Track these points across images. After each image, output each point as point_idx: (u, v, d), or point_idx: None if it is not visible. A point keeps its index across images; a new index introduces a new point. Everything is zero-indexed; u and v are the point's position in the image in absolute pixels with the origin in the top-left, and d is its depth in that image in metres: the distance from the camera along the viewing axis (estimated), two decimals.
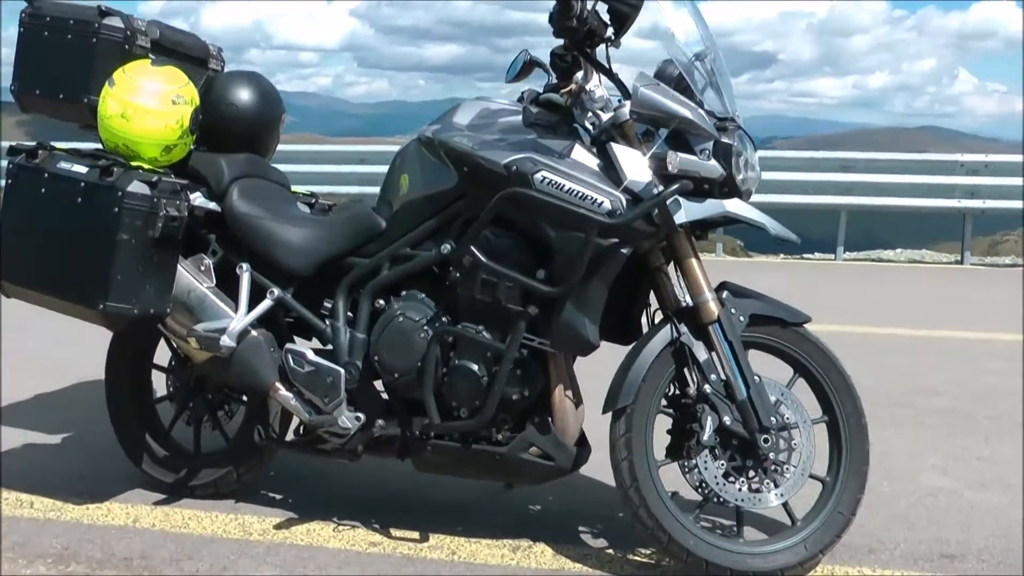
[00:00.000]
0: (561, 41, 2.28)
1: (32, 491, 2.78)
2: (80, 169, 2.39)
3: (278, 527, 2.55)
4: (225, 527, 2.56)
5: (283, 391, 2.49)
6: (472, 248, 2.24)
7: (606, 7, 2.18)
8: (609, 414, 2.29)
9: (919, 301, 6.56)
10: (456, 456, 2.38)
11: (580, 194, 2.16)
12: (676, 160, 2.12)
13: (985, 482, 2.96)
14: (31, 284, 2.45)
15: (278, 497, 2.77)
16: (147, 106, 2.45)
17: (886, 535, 2.54)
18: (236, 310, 2.50)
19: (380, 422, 2.43)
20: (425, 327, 2.35)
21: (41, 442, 3.26)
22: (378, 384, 2.50)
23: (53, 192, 2.40)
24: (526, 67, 2.58)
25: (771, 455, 2.23)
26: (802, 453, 2.27)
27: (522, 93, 2.60)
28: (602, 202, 2.16)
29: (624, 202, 2.16)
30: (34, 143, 2.50)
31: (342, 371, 2.42)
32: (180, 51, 2.74)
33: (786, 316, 2.31)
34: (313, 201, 2.80)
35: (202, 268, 2.56)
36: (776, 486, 2.25)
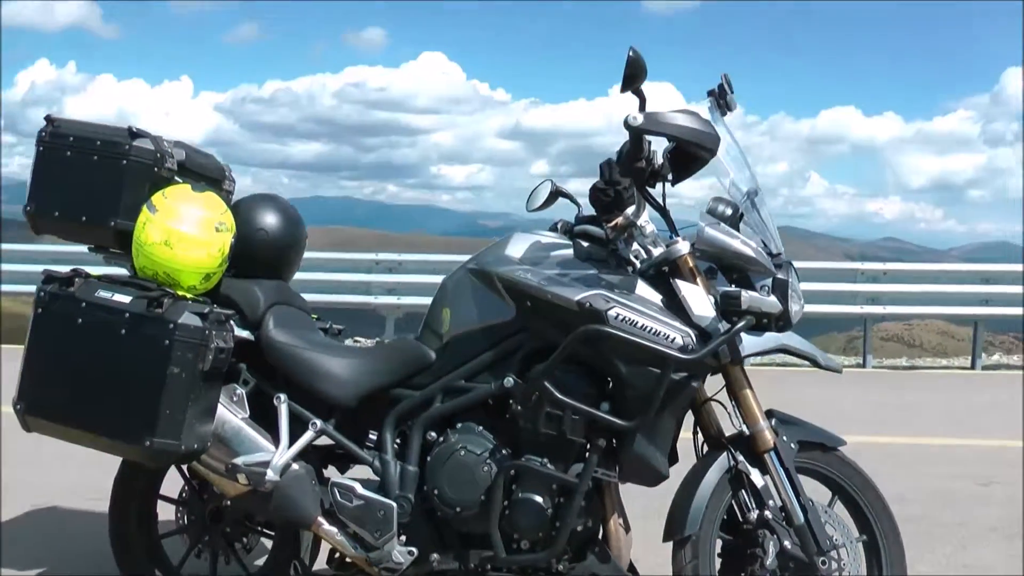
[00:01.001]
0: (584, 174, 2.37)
1: None
2: (122, 299, 2.30)
3: None
4: None
5: (326, 525, 2.42)
6: (545, 383, 2.27)
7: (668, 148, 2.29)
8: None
9: (840, 407, 6.80)
10: None
11: (653, 330, 2.23)
12: (747, 298, 2.22)
13: None
14: (63, 419, 2.32)
15: None
16: (191, 234, 2.39)
17: None
18: (272, 442, 2.43)
19: (435, 556, 2.39)
20: (488, 460, 2.34)
21: None
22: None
23: (93, 322, 2.29)
24: (551, 197, 2.68)
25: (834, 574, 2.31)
26: (850, 572, 2.36)
27: (555, 223, 2.67)
28: (674, 338, 2.23)
29: (693, 337, 2.24)
30: (69, 270, 2.40)
31: (394, 505, 2.38)
32: (201, 173, 2.70)
33: (826, 441, 2.42)
34: (327, 326, 2.77)
35: (235, 399, 2.48)
36: None
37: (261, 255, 2.63)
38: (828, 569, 2.30)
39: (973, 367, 9.03)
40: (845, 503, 2.44)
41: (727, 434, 2.42)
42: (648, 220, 2.41)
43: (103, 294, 2.32)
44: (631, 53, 2.16)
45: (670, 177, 2.33)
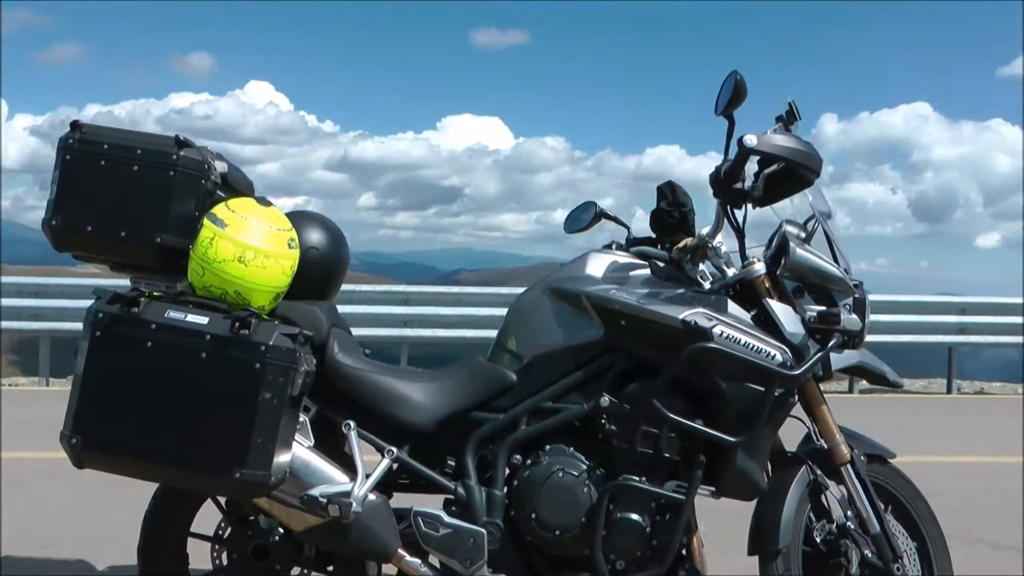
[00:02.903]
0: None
1: None
2: (199, 319, 2.12)
3: None
4: None
5: (408, 557, 2.31)
6: (654, 402, 2.27)
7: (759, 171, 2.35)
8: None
9: None
10: None
11: (755, 347, 2.28)
12: (845, 318, 2.30)
13: None
14: (132, 452, 2.10)
15: None
16: (267, 250, 2.23)
17: None
18: (342, 471, 2.31)
19: None
20: (587, 481, 2.31)
21: None
22: None
23: (166, 346, 2.09)
24: (595, 219, 2.71)
25: None
26: None
27: (611, 243, 2.69)
28: (774, 355, 2.29)
29: (789, 353, 2.31)
30: (131, 288, 2.19)
31: (484, 531, 2.30)
32: (236, 187, 2.55)
33: (882, 453, 2.54)
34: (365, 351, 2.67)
35: (298, 426, 2.34)
36: None
37: (312, 275, 2.48)
38: (907, 573, 2.42)
39: (949, 391, 9.79)
40: (896, 512, 2.56)
41: (798, 449, 2.50)
42: (722, 240, 2.46)
43: (175, 315, 2.13)
44: (737, 77, 2.22)
45: (757, 198, 2.38)
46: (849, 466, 2.44)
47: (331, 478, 2.28)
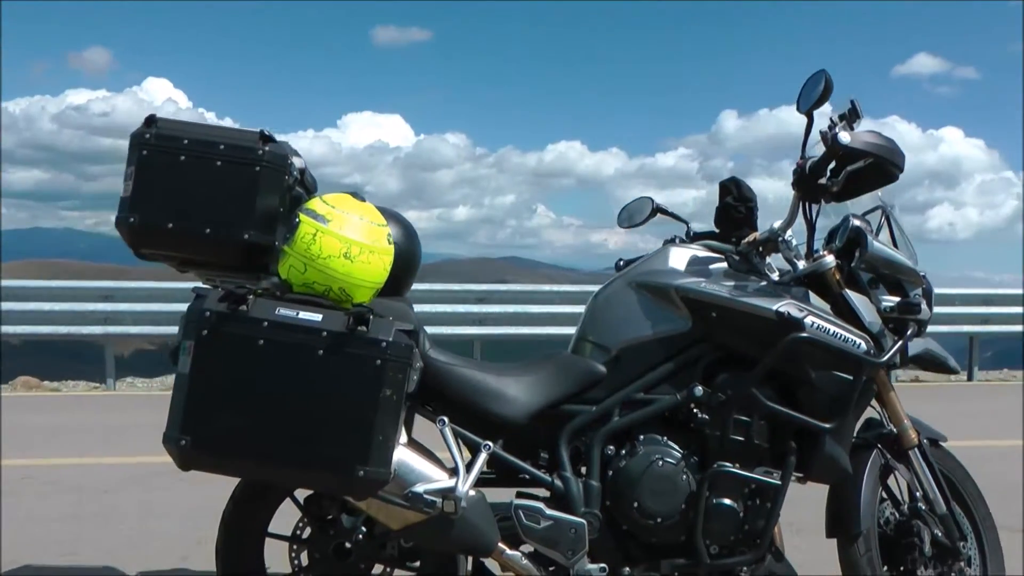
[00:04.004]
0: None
1: None
2: (312, 316, 2.08)
3: None
4: None
5: (509, 550, 2.33)
6: (754, 391, 2.34)
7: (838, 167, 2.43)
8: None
9: None
10: None
11: (843, 336, 2.37)
12: (926, 309, 2.42)
13: None
14: (247, 452, 2.05)
15: None
16: (371, 245, 2.21)
17: None
18: (437, 466, 2.31)
19: (626, 570, 2.37)
20: (684, 469, 2.37)
21: None
22: None
23: (280, 344, 2.04)
24: (651, 214, 2.78)
25: (969, 556, 2.56)
26: (972, 556, 2.63)
27: (674, 237, 2.76)
28: (859, 343, 2.39)
29: (871, 342, 2.41)
30: (237, 286, 2.14)
31: (584, 522, 2.34)
32: (307, 185, 2.51)
33: (937, 437, 2.68)
34: None
35: None
36: None
37: (394, 271, 2.48)
38: (967, 552, 2.56)
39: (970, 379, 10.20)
40: (951, 493, 2.70)
41: (866, 434, 2.60)
42: (792, 234, 2.55)
43: (286, 312, 2.09)
44: (827, 76, 2.31)
45: (835, 193, 2.46)
46: (917, 450, 2.56)
47: (429, 474, 2.27)
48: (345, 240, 2.17)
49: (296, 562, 2.50)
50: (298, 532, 2.50)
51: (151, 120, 2.30)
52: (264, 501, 2.46)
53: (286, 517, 2.48)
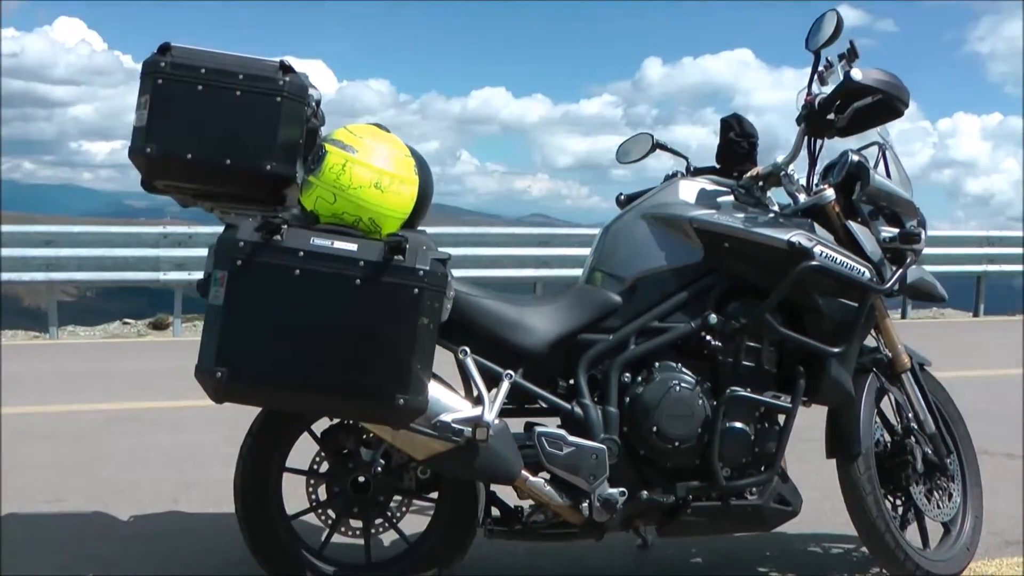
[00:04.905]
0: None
1: None
2: (348, 246, 2.08)
3: None
4: None
5: (532, 477, 2.38)
6: (768, 318, 2.42)
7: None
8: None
9: None
10: (715, 515, 2.49)
11: (849, 265, 2.47)
12: (923, 238, 2.53)
13: None
14: (285, 382, 2.05)
15: None
16: (401, 175, 2.21)
17: None
18: (459, 396, 2.35)
19: (644, 493, 2.45)
20: (701, 394, 2.45)
21: None
22: None
23: (317, 273, 2.05)
24: (651, 150, 2.84)
25: (953, 473, 2.71)
26: (954, 471, 2.79)
27: (676, 172, 2.82)
28: (863, 271, 2.49)
29: (873, 271, 2.51)
30: (273, 216, 2.11)
31: (604, 448, 2.40)
32: (322, 117, 2.49)
33: (923, 362, 2.82)
34: None
35: None
36: (951, 497, 2.73)
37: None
38: (952, 467, 2.72)
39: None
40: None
41: (864, 358, 2.72)
42: (794, 168, 2.62)
43: (320, 242, 2.08)
44: (839, 15, 2.38)
45: (840, 128, 2.54)
46: (909, 373, 2.70)
47: (454, 404, 2.30)
48: (376, 170, 2.17)
49: (314, 496, 2.52)
50: (315, 466, 2.52)
51: (165, 48, 2.26)
52: (282, 436, 2.47)
53: (302, 453, 2.49)
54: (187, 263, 8.43)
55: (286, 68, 2.28)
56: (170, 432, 4.51)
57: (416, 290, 2.08)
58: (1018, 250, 11.44)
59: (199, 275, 7.33)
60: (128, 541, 2.99)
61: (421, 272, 2.08)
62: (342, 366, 2.06)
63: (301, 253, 2.06)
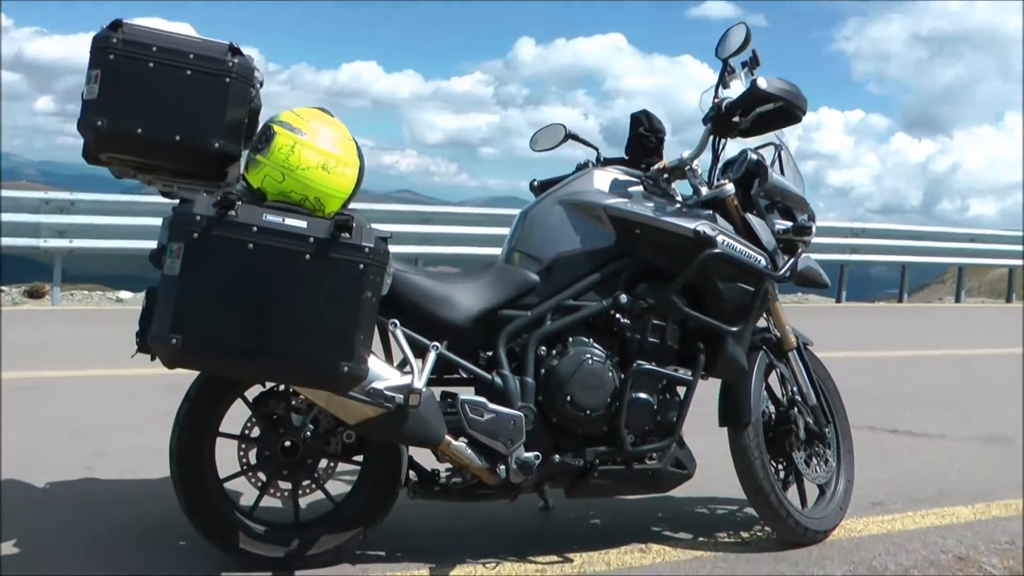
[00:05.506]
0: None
1: None
2: (298, 223, 2.21)
3: (436, 573, 2.60)
4: None
5: (455, 442, 2.56)
6: (673, 298, 2.66)
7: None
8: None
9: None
10: (619, 478, 2.73)
11: (747, 253, 2.74)
12: (814, 230, 2.82)
13: None
14: (237, 351, 2.17)
15: (375, 553, 2.74)
16: (345, 158, 2.36)
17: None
18: (388, 365, 2.51)
19: (556, 457, 2.66)
20: (611, 367, 2.67)
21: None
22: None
23: (268, 248, 2.17)
24: (563, 140, 3.06)
25: (831, 441, 3.04)
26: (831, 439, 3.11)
27: (587, 162, 3.04)
28: (760, 259, 2.76)
29: (768, 259, 2.79)
30: (223, 193, 2.21)
31: (522, 415, 2.60)
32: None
33: (807, 341, 3.13)
34: None
35: None
36: (827, 462, 3.05)
37: None
38: (830, 436, 3.05)
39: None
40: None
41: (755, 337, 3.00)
42: (699, 164, 2.87)
43: (272, 218, 2.21)
44: (747, 28, 2.63)
45: (743, 130, 2.78)
46: (796, 351, 3.00)
47: (384, 372, 2.46)
48: (323, 153, 2.32)
49: (244, 460, 2.63)
50: (247, 431, 2.63)
51: (117, 24, 2.35)
52: (218, 402, 2.57)
53: (232, 419, 2.60)
54: (69, 231, 8.21)
55: (235, 50, 2.40)
56: (67, 402, 4.49)
57: (361, 266, 2.23)
58: (878, 241, 12.33)
59: (81, 243, 7.27)
60: (49, 509, 3.01)
61: (367, 249, 2.23)
62: (291, 335, 2.19)
63: (254, 228, 2.18)
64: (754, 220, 2.83)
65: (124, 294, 9.23)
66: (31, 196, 8.31)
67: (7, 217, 8.00)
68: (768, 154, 2.98)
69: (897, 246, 12.55)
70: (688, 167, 2.81)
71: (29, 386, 4.74)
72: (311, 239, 2.20)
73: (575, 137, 3.11)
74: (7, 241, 7.96)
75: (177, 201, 2.52)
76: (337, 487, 2.72)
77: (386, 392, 2.42)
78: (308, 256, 2.20)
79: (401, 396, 2.41)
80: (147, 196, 8.51)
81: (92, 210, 8.28)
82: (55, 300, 8.51)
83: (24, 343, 6.08)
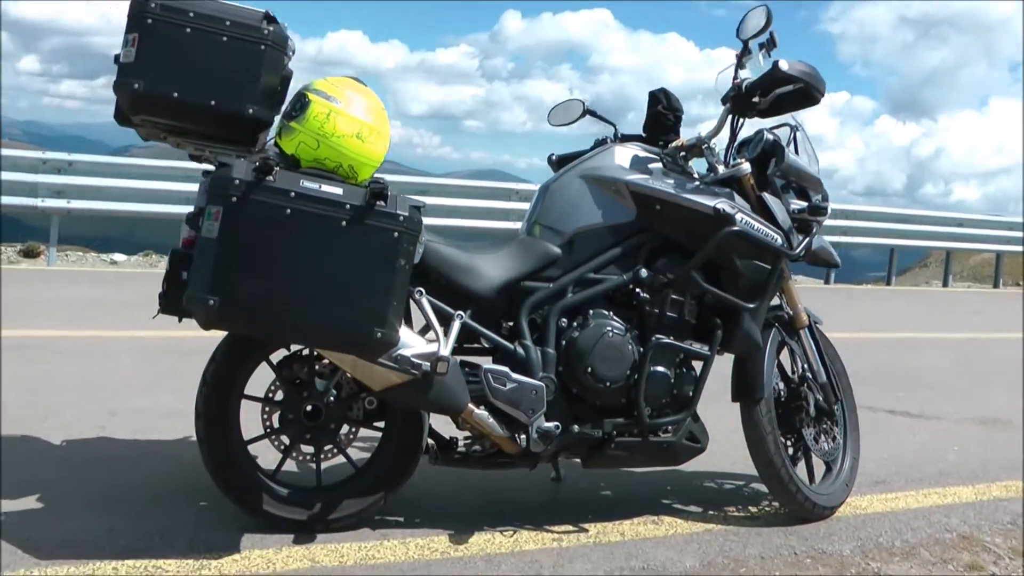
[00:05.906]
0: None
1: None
2: (334, 190, 2.24)
3: (455, 540, 2.65)
4: (407, 551, 2.57)
5: (478, 410, 2.60)
6: (693, 274, 2.71)
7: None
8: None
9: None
10: (635, 450, 2.78)
11: (765, 232, 2.78)
12: (829, 209, 2.86)
13: None
14: (272, 313, 2.21)
15: (394, 519, 2.78)
16: (378, 127, 2.39)
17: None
18: (414, 333, 2.54)
19: (575, 428, 2.71)
20: (631, 340, 2.71)
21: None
22: None
23: (306, 214, 2.20)
24: (581, 116, 3.09)
25: (839, 419, 3.10)
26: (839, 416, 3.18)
27: (605, 138, 3.06)
28: (776, 238, 2.80)
29: (784, 238, 2.83)
30: (261, 158, 2.23)
31: (543, 385, 2.65)
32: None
33: (817, 320, 3.18)
34: None
35: None
36: (835, 439, 3.12)
37: None
38: (840, 414, 3.11)
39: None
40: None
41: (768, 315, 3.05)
42: (716, 142, 2.90)
43: (309, 184, 2.23)
44: (768, 10, 2.66)
45: (762, 111, 2.82)
46: (807, 329, 3.06)
47: (411, 339, 2.50)
48: (358, 121, 2.35)
49: (268, 423, 2.66)
50: (271, 395, 2.66)
51: None
52: (243, 363, 2.60)
53: (256, 382, 2.63)
54: (66, 191, 8.16)
55: (270, 18, 2.42)
56: (74, 361, 4.50)
57: (396, 234, 2.26)
58: (867, 223, 12.39)
59: (78, 203, 7.29)
60: (63, 464, 3.04)
61: (401, 217, 2.26)
62: (326, 300, 2.23)
63: (292, 194, 2.20)
64: (770, 199, 2.87)
65: (118, 256, 9.20)
66: (28, 156, 8.26)
67: (5, 176, 7.93)
68: (784, 134, 3.01)
69: (886, 229, 12.66)
70: (706, 145, 2.84)
71: (33, 344, 4.75)
72: (347, 206, 2.23)
73: (593, 113, 3.14)
74: (5, 200, 7.92)
75: (207, 166, 2.55)
76: (357, 453, 2.76)
77: (413, 359, 2.46)
78: (344, 223, 2.22)
79: (428, 363, 2.45)
80: (144, 159, 8.47)
81: (90, 172, 8.23)
82: (51, 260, 8.48)
83: (25, 302, 6.07)
